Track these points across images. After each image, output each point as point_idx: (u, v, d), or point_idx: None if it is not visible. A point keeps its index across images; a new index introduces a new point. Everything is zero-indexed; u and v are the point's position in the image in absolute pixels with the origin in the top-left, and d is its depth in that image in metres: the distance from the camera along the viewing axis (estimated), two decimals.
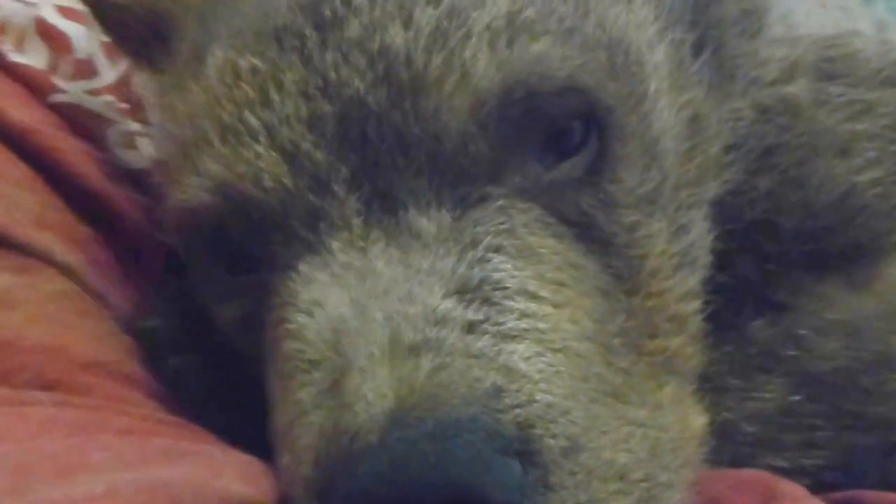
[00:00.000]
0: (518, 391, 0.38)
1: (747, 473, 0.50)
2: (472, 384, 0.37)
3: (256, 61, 0.43)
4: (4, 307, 0.44)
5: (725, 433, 0.52)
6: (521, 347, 0.39)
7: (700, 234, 0.50)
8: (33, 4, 0.64)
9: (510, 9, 0.43)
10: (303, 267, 0.42)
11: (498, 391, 0.37)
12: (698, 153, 0.50)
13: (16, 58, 0.60)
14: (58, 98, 0.60)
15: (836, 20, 0.68)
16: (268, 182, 0.42)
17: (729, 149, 0.53)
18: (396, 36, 0.42)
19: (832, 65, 0.59)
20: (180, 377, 0.49)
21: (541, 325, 0.40)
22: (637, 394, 0.43)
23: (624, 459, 0.40)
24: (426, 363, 0.37)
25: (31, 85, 0.60)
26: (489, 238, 0.42)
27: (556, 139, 0.44)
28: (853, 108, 0.58)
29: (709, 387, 0.52)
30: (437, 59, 0.42)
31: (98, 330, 0.48)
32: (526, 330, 0.40)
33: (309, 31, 0.43)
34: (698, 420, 0.47)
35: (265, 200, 0.42)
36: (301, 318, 0.41)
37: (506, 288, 0.41)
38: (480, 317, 0.40)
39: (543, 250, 0.43)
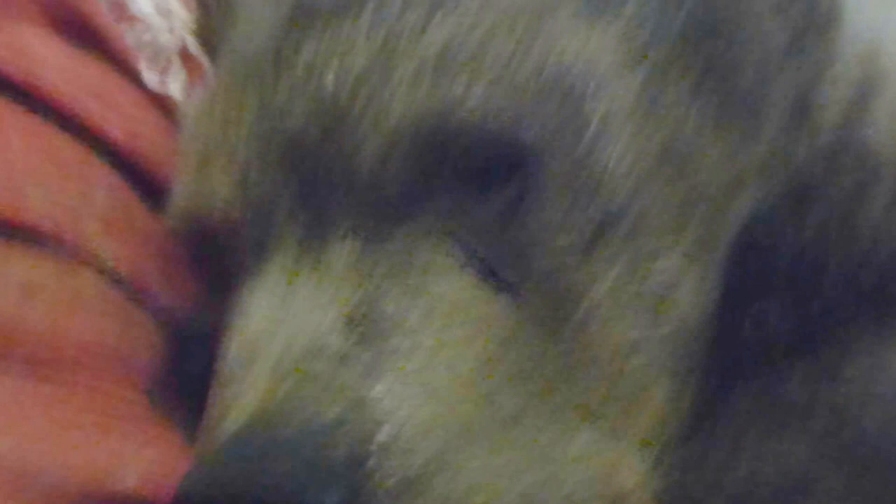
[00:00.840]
0: (362, 424, 0.39)
1: None
2: (317, 412, 0.39)
3: (228, 98, 0.47)
4: (27, 295, 0.47)
5: (735, 499, 0.46)
6: (383, 383, 0.40)
7: (673, 279, 0.47)
8: (179, 35, 0.69)
9: (441, 49, 0.44)
10: (244, 289, 0.45)
11: (341, 423, 0.38)
12: (678, 192, 0.47)
13: (153, 85, 0.65)
14: None
15: None
16: (222, 212, 0.47)
17: (742, 188, 0.50)
18: (330, 75, 0.44)
19: None
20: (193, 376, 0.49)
21: (412, 363, 0.41)
22: (521, 440, 0.42)
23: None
24: (286, 388, 0.39)
25: (162, 106, 0.64)
26: (386, 272, 0.43)
27: (475, 178, 0.44)
28: None
29: (719, 446, 0.48)
30: (361, 99, 0.44)
31: (116, 321, 0.49)
32: (395, 366, 0.41)
33: (269, 69, 0.46)
34: (627, 479, 0.44)
35: (220, 228, 0.47)
36: (227, 338, 0.43)
37: (389, 322, 0.42)
38: (356, 349, 0.41)
39: (440, 288, 0.43)
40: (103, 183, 0.55)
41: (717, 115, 0.49)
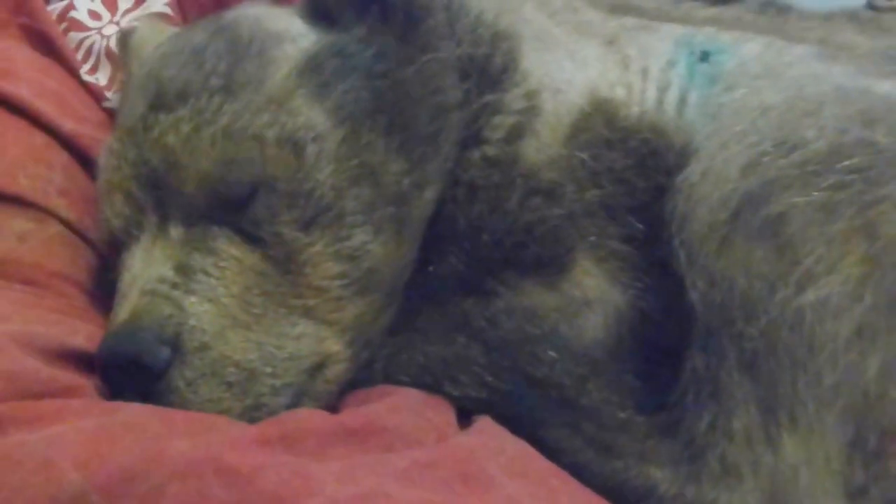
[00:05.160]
0: (181, 317, 0.71)
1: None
2: (159, 311, 0.71)
3: (118, 145, 0.80)
4: (21, 240, 0.82)
5: (419, 366, 0.80)
6: (193, 298, 0.73)
7: (365, 241, 0.78)
8: (106, 36, 1.00)
9: (226, 125, 0.76)
10: (129, 250, 0.78)
11: (170, 317, 0.71)
12: (368, 193, 0.79)
13: (87, 77, 0.98)
14: (107, 104, 0.97)
15: (630, 83, 0.89)
16: (118, 210, 0.78)
17: (426, 186, 0.82)
18: (171, 138, 0.76)
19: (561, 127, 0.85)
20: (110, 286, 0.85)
21: (206, 288, 0.73)
22: (265, 327, 0.74)
23: (238, 357, 0.72)
24: (145, 301, 0.72)
25: (94, 96, 0.98)
26: (196, 243, 0.75)
27: (242, 197, 0.75)
28: (566, 165, 0.84)
29: (414, 335, 0.81)
30: (185, 154, 0.76)
31: (76, 257, 0.84)
32: (199, 289, 0.73)
33: (140, 132, 0.78)
34: (331, 347, 0.76)
35: (117, 219, 0.79)
36: (121, 273, 0.78)
37: (196, 267, 0.74)
38: (180, 281, 0.73)
39: (223, 251, 0.75)
40: (60, 162, 0.89)
41: (399, 146, 0.81)
